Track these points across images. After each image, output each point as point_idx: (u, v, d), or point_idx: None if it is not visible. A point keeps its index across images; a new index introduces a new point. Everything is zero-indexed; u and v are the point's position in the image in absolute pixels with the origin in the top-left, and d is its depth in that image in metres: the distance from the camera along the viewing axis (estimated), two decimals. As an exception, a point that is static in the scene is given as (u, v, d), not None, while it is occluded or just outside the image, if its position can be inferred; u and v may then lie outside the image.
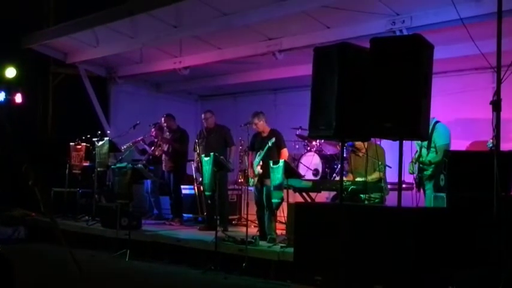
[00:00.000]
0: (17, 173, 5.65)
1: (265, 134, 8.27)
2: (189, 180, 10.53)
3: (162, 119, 10.15)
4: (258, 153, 8.15)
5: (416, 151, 7.19)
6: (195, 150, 9.50)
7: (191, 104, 13.71)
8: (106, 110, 12.18)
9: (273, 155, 8.00)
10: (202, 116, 9.50)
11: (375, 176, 7.50)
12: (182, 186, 10.30)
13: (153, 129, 10.48)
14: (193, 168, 10.12)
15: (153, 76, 12.04)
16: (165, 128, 10.13)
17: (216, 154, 8.03)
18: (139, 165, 9.46)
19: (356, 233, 5.08)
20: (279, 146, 8.14)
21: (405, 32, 7.42)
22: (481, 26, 6.07)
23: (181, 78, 11.38)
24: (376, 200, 7.43)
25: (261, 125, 8.29)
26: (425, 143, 7.02)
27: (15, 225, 10.30)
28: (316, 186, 7.75)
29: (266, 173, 7.82)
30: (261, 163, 8.06)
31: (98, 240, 9.15)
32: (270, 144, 7.94)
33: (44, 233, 9.67)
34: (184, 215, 10.31)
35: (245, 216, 8.50)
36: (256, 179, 8.13)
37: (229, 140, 9.30)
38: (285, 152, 8.18)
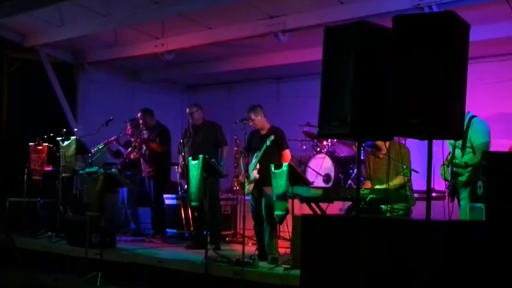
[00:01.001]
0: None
1: (263, 132, 8.27)
2: (173, 188, 10.54)
3: (138, 114, 10.17)
4: (255, 154, 8.15)
5: (449, 152, 7.20)
6: (179, 152, 9.50)
7: (176, 95, 13.74)
8: (73, 103, 12.20)
9: (272, 156, 8.01)
10: (187, 110, 9.51)
11: (399, 182, 7.51)
12: (165, 196, 10.31)
13: (129, 127, 10.49)
14: (177, 174, 10.12)
15: (129, 62, 12.05)
16: (142, 125, 10.14)
17: (206, 156, 8.03)
18: (113, 170, 9.45)
19: (376, 253, 5.07)
20: (279, 146, 8.14)
21: (435, 9, 7.43)
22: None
23: (164, 64, 11.39)
24: (400, 212, 7.43)
25: (259, 121, 8.29)
26: (459, 143, 7.02)
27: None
28: (328, 195, 7.75)
29: (265, 179, 7.82)
30: (257, 166, 8.05)
31: (64, 260, 9.14)
32: (267, 143, 7.93)
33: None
34: (168, 230, 10.33)
35: (241, 231, 8.51)
36: (251, 185, 8.12)
37: (221, 138, 9.30)
38: (286, 154, 8.18)
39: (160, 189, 10.10)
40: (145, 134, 10.17)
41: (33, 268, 8.14)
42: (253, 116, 8.25)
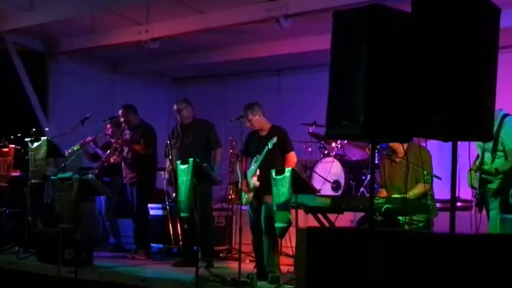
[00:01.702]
0: None
1: (264, 133, 8.26)
2: (159, 197, 10.53)
3: (120, 111, 10.16)
4: (255, 158, 8.15)
5: (478, 156, 7.20)
6: (166, 155, 9.49)
7: (162, 90, 13.78)
8: (43, 98, 12.22)
9: (275, 161, 8.00)
10: (174, 107, 9.51)
11: (419, 191, 7.51)
12: (150, 205, 10.31)
13: (108, 126, 10.49)
14: (164, 180, 10.12)
15: (109, 51, 12.07)
16: (124, 124, 10.13)
17: (197, 160, 8.03)
18: (90, 176, 9.45)
19: (392, 271, 5.07)
20: (283, 148, 8.13)
21: (461, -10, 7.42)
22: None
23: (149, 54, 11.41)
24: (420, 224, 7.44)
25: (257, 121, 8.27)
26: (489, 145, 7.02)
27: None
28: (337, 205, 7.75)
29: (266, 186, 7.81)
30: (257, 172, 8.05)
31: (33, 279, 9.13)
32: (269, 145, 7.93)
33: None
34: (153, 245, 10.33)
35: (237, 246, 8.51)
36: (251, 194, 8.12)
37: (214, 139, 9.30)
38: (291, 157, 8.16)
39: (144, 197, 10.09)
40: (127, 134, 10.17)
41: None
42: (250, 115, 8.22)
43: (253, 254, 8.59)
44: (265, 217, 7.96)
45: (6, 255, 9.89)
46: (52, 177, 9.48)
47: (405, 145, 6.66)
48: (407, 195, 7.21)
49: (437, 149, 7.40)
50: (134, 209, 10.10)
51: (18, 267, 9.40)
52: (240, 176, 8.23)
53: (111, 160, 10.33)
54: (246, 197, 8.18)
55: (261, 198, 8.07)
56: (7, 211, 10.50)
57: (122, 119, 10.17)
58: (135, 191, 10.04)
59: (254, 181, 8.05)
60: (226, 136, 9.78)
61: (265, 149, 7.98)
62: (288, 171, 7.41)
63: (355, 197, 8.54)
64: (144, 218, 10.14)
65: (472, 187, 7.16)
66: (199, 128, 9.35)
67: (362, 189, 8.80)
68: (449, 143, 5.03)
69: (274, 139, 7.95)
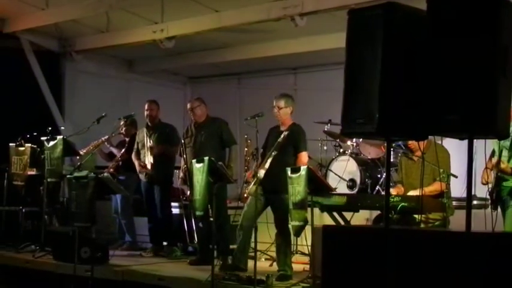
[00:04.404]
0: None
1: (283, 128, 8.24)
2: (175, 196, 10.54)
3: (146, 105, 10.09)
4: (269, 152, 8.10)
5: (493, 153, 7.18)
6: (181, 154, 9.48)
7: (178, 88, 13.80)
8: (59, 98, 12.26)
9: (286, 158, 7.99)
10: (188, 105, 9.49)
11: (435, 188, 7.50)
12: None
13: (122, 123, 10.46)
14: (178, 179, 10.10)
15: (124, 50, 12.10)
16: (147, 118, 10.05)
17: (212, 159, 8.04)
18: (105, 175, 9.47)
19: (408, 269, 5.07)
20: (296, 146, 8.12)
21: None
22: None
23: (164, 53, 11.44)
24: (437, 223, 7.43)
25: (284, 113, 8.20)
26: (506, 143, 7.00)
27: None
28: (352, 203, 7.75)
29: (275, 183, 7.78)
30: (266, 165, 7.97)
31: (49, 278, 9.16)
32: (280, 139, 7.90)
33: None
34: (166, 243, 10.30)
35: (253, 245, 8.51)
36: (253, 187, 8.04)
37: (228, 137, 9.27)
38: (303, 157, 8.12)
39: (167, 196, 10.04)
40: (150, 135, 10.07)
41: (14, 287, 8.18)
42: (282, 104, 8.18)
43: (269, 253, 8.60)
44: (278, 216, 7.96)
45: (23, 254, 9.89)
46: (68, 176, 9.52)
47: (422, 143, 6.65)
48: (424, 193, 7.19)
49: (453, 147, 7.37)
50: (158, 208, 10.05)
51: (34, 266, 9.43)
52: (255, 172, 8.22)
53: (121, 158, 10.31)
54: (253, 188, 8.09)
55: (266, 193, 8.02)
56: (23, 210, 10.52)
57: (147, 113, 10.05)
58: (158, 189, 9.99)
59: (261, 172, 7.98)
60: (241, 135, 9.77)
61: (276, 142, 7.97)
62: (303, 170, 7.40)
63: (371, 195, 8.52)
64: (168, 218, 10.10)
65: (487, 185, 7.13)
66: (213, 126, 9.33)
67: (377, 187, 8.78)
68: (466, 141, 5.02)
69: (286, 133, 7.95)
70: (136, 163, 10.03)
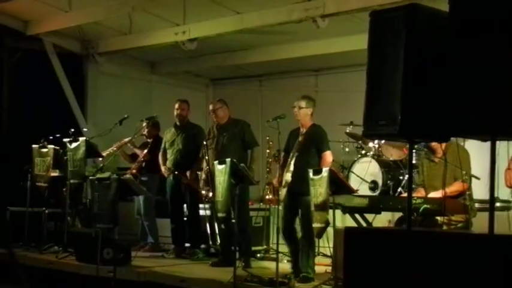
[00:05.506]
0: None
1: (303, 130, 8.23)
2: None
3: (177, 104, 10.10)
4: (291, 155, 8.10)
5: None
6: (203, 156, 9.47)
7: (200, 90, 13.82)
8: (81, 99, 12.31)
9: (309, 159, 7.99)
10: (210, 107, 9.51)
11: (456, 188, 7.46)
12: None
13: (144, 124, 10.48)
14: (200, 181, 10.11)
15: (146, 52, 12.15)
16: (176, 117, 10.03)
17: (234, 160, 8.05)
18: (128, 176, 9.51)
19: (430, 271, 5.06)
20: (318, 147, 8.11)
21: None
22: None
23: (186, 54, 11.46)
24: (459, 225, 7.40)
25: (304, 113, 8.16)
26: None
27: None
28: (375, 205, 7.73)
29: (299, 185, 7.79)
30: (291, 168, 7.99)
31: (71, 279, 9.20)
32: (299, 138, 7.89)
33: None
34: (188, 245, 10.30)
35: (274, 246, 8.52)
36: (284, 190, 8.05)
37: (250, 138, 9.29)
38: (327, 157, 8.10)
39: (196, 198, 10.01)
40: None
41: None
42: (303, 104, 8.14)
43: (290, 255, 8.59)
44: (304, 218, 7.95)
45: (46, 255, 9.93)
46: (90, 178, 9.57)
47: (443, 144, 6.63)
48: (446, 195, 7.17)
49: (475, 148, 7.34)
50: (189, 210, 10.05)
51: (57, 267, 9.46)
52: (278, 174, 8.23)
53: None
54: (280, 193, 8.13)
55: (294, 196, 8.03)
56: (46, 211, 10.57)
57: (178, 112, 10.01)
58: (188, 192, 9.98)
59: (287, 176, 8.01)
60: (263, 136, 9.77)
61: (296, 142, 7.96)
62: (325, 171, 7.40)
63: (393, 197, 8.50)
64: (196, 220, 10.11)
65: (510, 186, 7.11)
66: (235, 127, 9.33)
67: (399, 189, 8.76)
68: (488, 143, 5.00)
69: (306, 134, 7.96)
70: (162, 168, 10.05)
